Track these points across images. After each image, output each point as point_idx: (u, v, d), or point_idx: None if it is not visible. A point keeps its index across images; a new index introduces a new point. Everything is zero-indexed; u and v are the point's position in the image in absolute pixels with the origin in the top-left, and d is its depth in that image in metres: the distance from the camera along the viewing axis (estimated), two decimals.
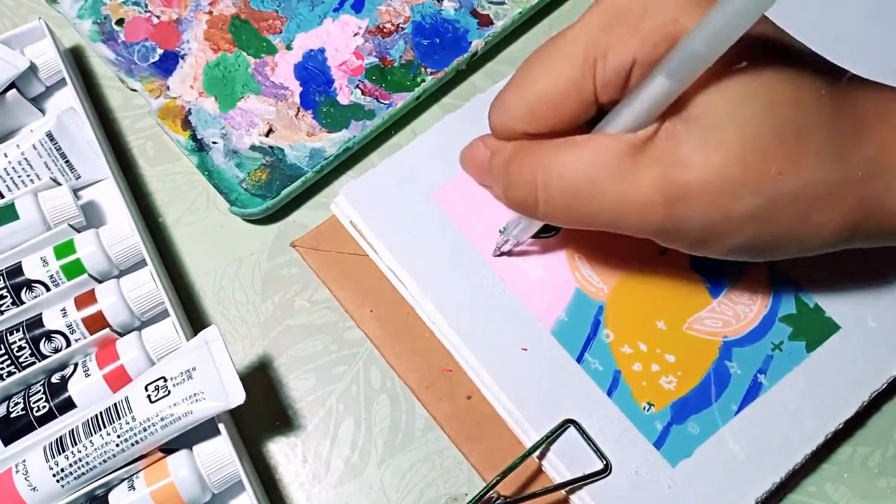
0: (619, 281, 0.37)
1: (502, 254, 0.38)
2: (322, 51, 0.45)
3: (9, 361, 0.36)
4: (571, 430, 0.35)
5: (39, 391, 0.35)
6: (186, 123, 0.43)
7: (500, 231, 0.37)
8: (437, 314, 0.37)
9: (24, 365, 0.36)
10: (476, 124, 0.40)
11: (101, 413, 0.33)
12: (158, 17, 0.46)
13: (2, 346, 0.36)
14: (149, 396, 0.33)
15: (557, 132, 0.30)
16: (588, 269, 0.37)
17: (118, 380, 0.35)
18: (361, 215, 0.39)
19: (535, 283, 0.37)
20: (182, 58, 0.45)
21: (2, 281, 0.38)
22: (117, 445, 0.33)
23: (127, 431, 0.33)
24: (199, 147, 0.43)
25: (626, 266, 0.38)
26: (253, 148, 0.42)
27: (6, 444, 0.35)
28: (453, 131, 0.40)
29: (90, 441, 0.33)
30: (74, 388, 0.35)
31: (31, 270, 0.38)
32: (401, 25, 0.45)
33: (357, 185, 0.40)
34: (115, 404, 0.33)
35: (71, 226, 0.39)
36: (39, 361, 0.36)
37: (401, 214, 0.39)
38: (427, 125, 0.43)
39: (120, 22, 0.46)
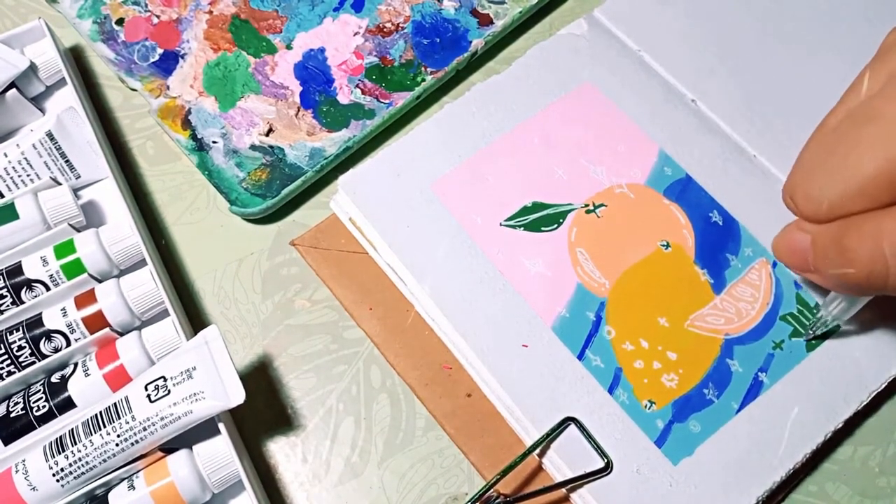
0: (622, 276, 0.37)
1: (815, 337, 0.36)
2: (322, 50, 0.45)
3: (8, 361, 0.36)
4: (572, 427, 0.35)
5: (39, 391, 0.35)
6: (186, 123, 0.43)
7: (812, 312, 0.36)
8: (436, 310, 0.37)
9: (23, 364, 0.36)
10: (475, 114, 0.41)
11: (100, 412, 0.33)
12: (158, 16, 0.46)
13: (2, 345, 0.36)
14: (149, 396, 0.33)
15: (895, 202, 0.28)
16: (590, 263, 0.37)
17: (118, 379, 0.35)
18: (360, 208, 0.39)
19: (536, 277, 0.37)
20: (182, 57, 0.45)
21: (2, 280, 0.37)
22: (117, 445, 0.33)
23: (127, 431, 0.33)
24: (199, 146, 0.43)
25: (629, 261, 0.38)
26: (253, 147, 0.42)
27: (6, 443, 0.35)
28: (453, 121, 0.40)
29: (90, 440, 0.33)
30: (74, 388, 0.35)
31: (31, 270, 0.38)
32: (401, 25, 0.45)
33: (354, 174, 0.40)
34: (115, 404, 0.33)
35: (71, 225, 0.39)
36: (39, 361, 0.36)
37: (399, 206, 0.39)
38: None
39: (120, 21, 0.46)
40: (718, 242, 0.38)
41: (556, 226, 0.38)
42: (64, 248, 0.38)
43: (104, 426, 0.33)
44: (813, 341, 0.36)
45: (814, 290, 0.37)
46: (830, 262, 0.30)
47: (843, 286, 0.31)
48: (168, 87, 0.44)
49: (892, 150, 0.28)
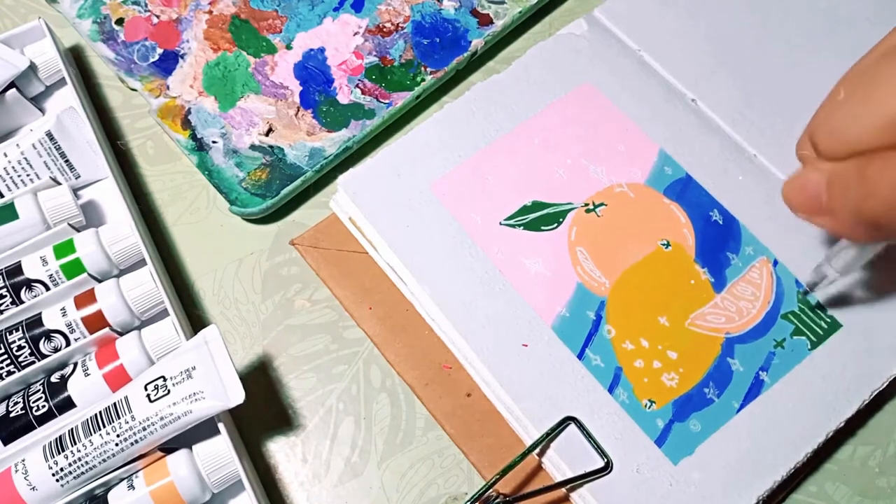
0: (622, 275, 0.37)
1: (812, 291, 0.36)
2: (322, 50, 0.45)
3: (8, 361, 0.36)
4: (572, 427, 0.34)
5: (39, 391, 0.35)
6: (186, 123, 0.43)
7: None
8: (436, 310, 0.37)
9: (23, 364, 0.36)
10: (475, 114, 0.41)
11: (100, 412, 0.33)
12: (158, 16, 0.46)
13: (1, 345, 0.36)
14: (148, 396, 0.33)
15: None
16: (590, 262, 0.37)
17: (118, 379, 0.35)
18: (360, 208, 0.39)
19: (536, 277, 0.37)
20: (182, 57, 0.45)
21: (1, 280, 0.37)
22: (117, 445, 0.33)
23: (126, 431, 0.33)
24: (199, 146, 0.43)
25: (629, 260, 0.37)
26: (253, 147, 0.42)
27: (6, 443, 0.35)
28: (453, 121, 0.40)
29: (90, 440, 0.33)
30: (74, 388, 0.35)
31: (31, 270, 0.38)
32: (401, 25, 0.45)
33: (354, 174, 0.40)
34: (115, 404, 0.33)
35: (70, 225, 0.39)
36: (39, 361, 0.36)
37: (399, 206, 0.39)
38: None
39: (120, 21, 0.46)
40: (719, 241, 0.38)
41: (555, 225, 0.38)
42: (64, 248, 0.38)
43: (104, 426, 0.33)
44: (810, 295, 0.36)
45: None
46: (848, 196, 0.29)
47: (858, 223, 0.30)
48: (168, 87, 0.44)
49: None
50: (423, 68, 0.44)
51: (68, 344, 0.36)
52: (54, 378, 0.36)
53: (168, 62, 0.45)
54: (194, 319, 0.40)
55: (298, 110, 0.43)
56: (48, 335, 0.36)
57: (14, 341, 0.36)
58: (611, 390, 0.35)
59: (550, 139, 0.40)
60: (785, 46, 0.42)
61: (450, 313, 0.36)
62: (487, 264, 0.37)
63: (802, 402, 0.35)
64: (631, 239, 0.38)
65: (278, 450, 0.37)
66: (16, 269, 0.38)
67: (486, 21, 0.45)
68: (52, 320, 0.36)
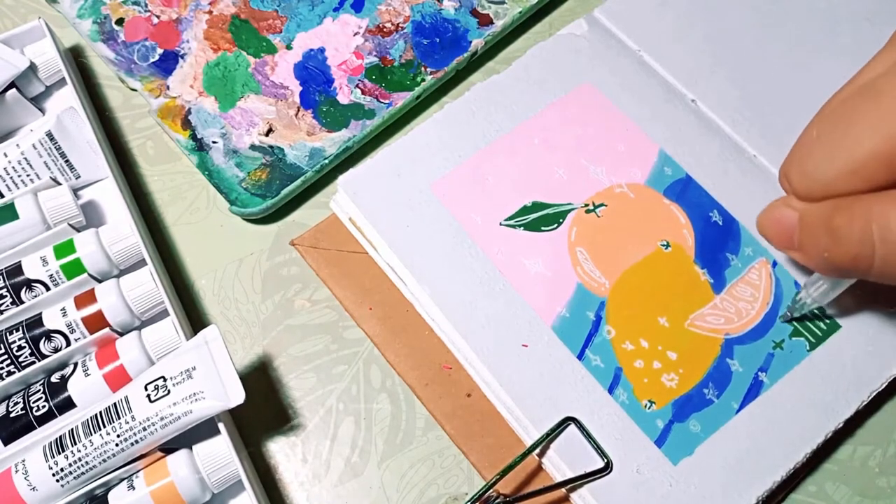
0: (622, 276, 0.37)
1: (793, 319, 0.36)
2: (322, 50, 0.45)
3: (8, 361, 0.36)
4: (572, 427, 0.35)
5: (39, 391, 0.35)
6: (186, 123, 0.43)
7: (795, 294, 0.36)
8: (436, 310, 0.37)
9: (23, 364, 0.36)
10: (475, 114, 0.41)
11: (100, 413, 0.33)
12: (158, 16, 0.46)
13: (1, 345, 0.36)
14: (148, 396, 0.33)
15: (890, 186, 0.28)
16: (590, 263, 0.37)
17: (118, 379, 0.35)
18: (360, 208, 0.39)
19: (536, 277, 0.37)
20: (182, 57, 0.45)
21: (2, 280, 0.37)
22: (117, 445, 0.33)
23: (126, 431, 0.33)
24: (199, 146, 0.43)
25: (629, 260, 0.38)
26: (253, 147, 0.42)
27: (6, 443, 0.35)
28: (453, 121, 0.40)
29: (90, 440, 0.33)
30: (74, 388, 0.35)
31: (31, 270, 0.38)
32: (401, 25, 0.45)
33: (354, 174, 0.40)
34: (115, 404, 0.33)
35: (71, 225, 0.39)
36: (39, 361, 0.36)
37: (399, 206, 0.39)
38: None
39: (120, 21, 0.46)
40: (718, 242, 0.38)
41: (556, 225, 0.38)
42: (64, 248, 0.38)
43: (104, 426, 0.33)
44: (791, 323, 0.36)
45: (797, 271, 0.37)
46: (817, 241, 0.30)
47: (826, 267, 0.31)
48: (168, 87, 0.44)
49: (890, 129, 0.27)
50: (423, 68, 0.44)
51: (68, 344, 0.36)
52: (54, 378, 0.36)
53: (168, 62, 0.45)
54: (194, 320, 0.40)
55: (298, 110, 0.43)
56: (48, 335, 0.36)
57: (14, 341, 0.36)
58: (611, 391, 0.35)
59: (550, 139, 0.40)
60: (785, 46, 0.42)
61: (450, 313, 0.36)
62: (487, 264, 0.37)
63: (802, 403, 0.35)
64: (631, 239, 0.38)
65: (278, 450, 0.37)
66: (16, 270, 0.38)
67: (486, 21, 0.45)
68: (52, 320, 0.36)
